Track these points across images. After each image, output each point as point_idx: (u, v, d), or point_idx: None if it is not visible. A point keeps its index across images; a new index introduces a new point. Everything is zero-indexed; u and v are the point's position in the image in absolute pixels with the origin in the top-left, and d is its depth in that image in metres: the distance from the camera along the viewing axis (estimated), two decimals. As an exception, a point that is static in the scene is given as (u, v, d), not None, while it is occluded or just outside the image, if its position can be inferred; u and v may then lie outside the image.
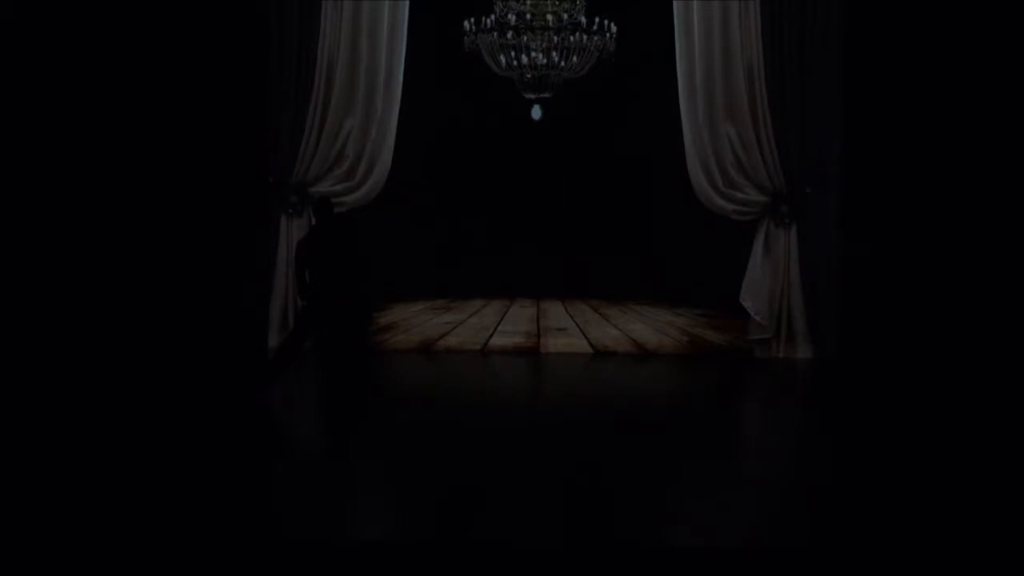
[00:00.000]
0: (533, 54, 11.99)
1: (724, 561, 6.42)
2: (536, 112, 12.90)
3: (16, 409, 9.18)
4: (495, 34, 11.97)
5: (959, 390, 11.19)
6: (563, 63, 12.08)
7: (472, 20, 12.16)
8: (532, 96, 12.54)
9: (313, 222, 9.88)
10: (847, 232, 12.83)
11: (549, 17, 11.90)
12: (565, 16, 11.95)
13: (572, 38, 12.01)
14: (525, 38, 11.94)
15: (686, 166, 12.96)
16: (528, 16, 11.92)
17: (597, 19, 12.08)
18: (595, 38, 12.06)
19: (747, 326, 13.14)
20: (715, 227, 13.02)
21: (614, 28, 12.17)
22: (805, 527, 7.06)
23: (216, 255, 11.24)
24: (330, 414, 9.83)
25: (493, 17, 12.05)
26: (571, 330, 13.49)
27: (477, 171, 13.28)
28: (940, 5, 12.28)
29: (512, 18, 11.96)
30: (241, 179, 11.56)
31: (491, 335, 13.46)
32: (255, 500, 7.43)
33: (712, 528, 7.04)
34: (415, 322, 13.55)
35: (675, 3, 12.87)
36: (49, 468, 7.84)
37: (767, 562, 6.42)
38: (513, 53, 12.03)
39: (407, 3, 13.00)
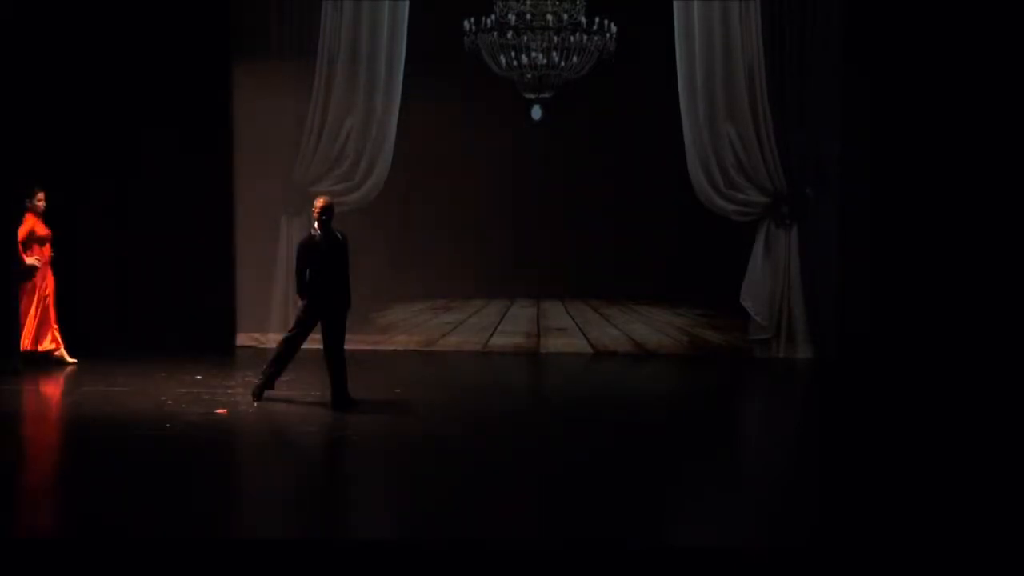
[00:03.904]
0: (533, 54, 11.99)
1: (724, 561, 6.41)
2: (536, 112, 12.89)
3: None
4: (495, 34, 11.97)
5: (959, 389, 11.19)
6: (563, 63, 12.07)
7: (472, 20, 12.16)
8: (532, 96, 12.54)
9: (316, 224, 9.84)
10: (847, 232, 12.83)
11: (549, 17, 11.90)
12: (565, 16, 11.95)
13: (572, 38, 12.01)
14: (525, 38, 11.94)
15: (686, 166, 12.95)
16: (528, 16, 11.92)
17: (597, 19, 12.08)
18: (595, 38, 12.06)
19: (747, 326, 13.13)
20: (715, 227, 13.01)
21: (614, 28, 12.17)
22: (805, 527, 7.05)
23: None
24: (333, 409, 9.85)
25: (493, 17, 12.05)
26: (571, 330, 13.47)
27: (477, 171, 13.25)
28: (939, 6, 12.29)
29: (512, 18, 11.95)
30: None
31: (491, 335, 13.45)
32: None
33: (712, 528, 7.03)
34: (415, 322, 13.53)
35: (675, 3, 12.86)
36: None
37: (767, 562, 6.42)
38: (513, 53, 12.03)
39: (407, 3, 13.00)
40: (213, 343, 12.84)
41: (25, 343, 11.52)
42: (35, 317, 11.54)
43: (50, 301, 11.69)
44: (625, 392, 11.64)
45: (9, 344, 11.25)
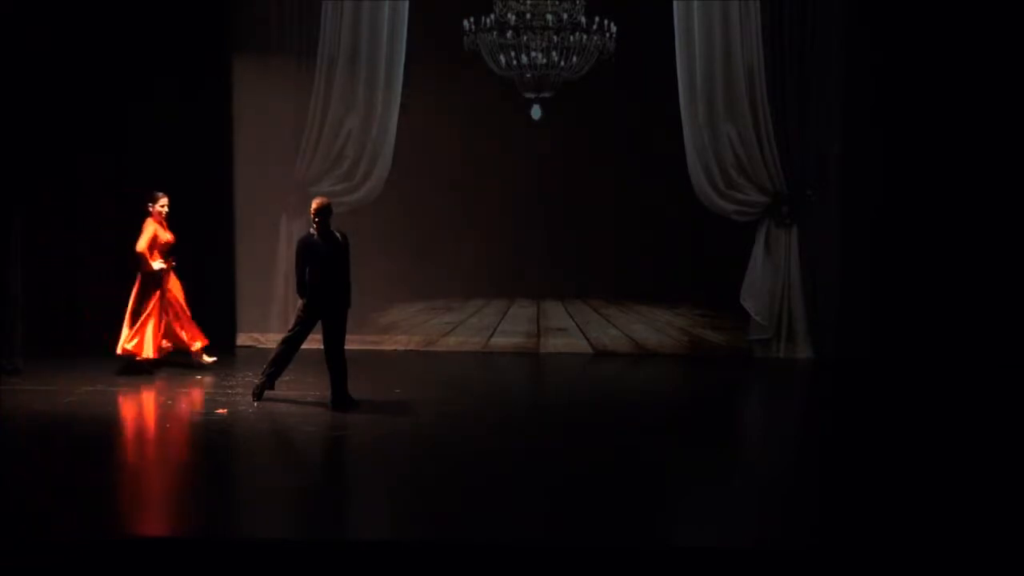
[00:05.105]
0: (533, 54, 11.99)
1: (724, 561, 6.42)
2: (536, 112, 12.90)
3: None
4: (495, 34, 11.98)
5: (959, 388, 11.19)
6: (563, 63, 12.08)
7: (472, 20, 12.16)
8: (532, 96, 12.55)
9: (314, 224, 9.84)
10: (847, 232, 12.82)
11: (549, 17, 11.91)
12: (565, 16, 11.96)
13: (572, 38, 12.01)
14: (525, 38, 11.94)
15: (686, 166, 12.96)
16: (528, 16, 11.92)
17: (597, 19, 12.08)
18: (595, 38, 12.07)
19: (747, 326, 13.13)
20: (715, 227, 13.01)
21: (614, 28, 12.18)
22: (805, 527, 7.06)
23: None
24: (333, 408, 9.85)
25: (493, 17, 12.06)
26: (571, 330, 13.46)
27: (476, 171, 13.25)
28: (941, 5, 12.29)
29: (512, 18, 11.96)
30: None
31: (491, 335, 13.44)
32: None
33: (712, 528, 7.03)
34: (415, 322, 13.52)
35: (675, 3, 12.86)
36: None
37: (768, 562, 6.42)
38: (513, 53, 12.04)
39: (407, 3, 13.00)
40: (213, 343, 12.83)
41: (133, 348, 11.24)
42: (159, 324, 11.29)
43: (181, 305, 11.52)
44: (625, 392, 11.64)
45: (10, 344, 11.24)
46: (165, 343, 11.48)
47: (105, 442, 8.84)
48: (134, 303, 11.31)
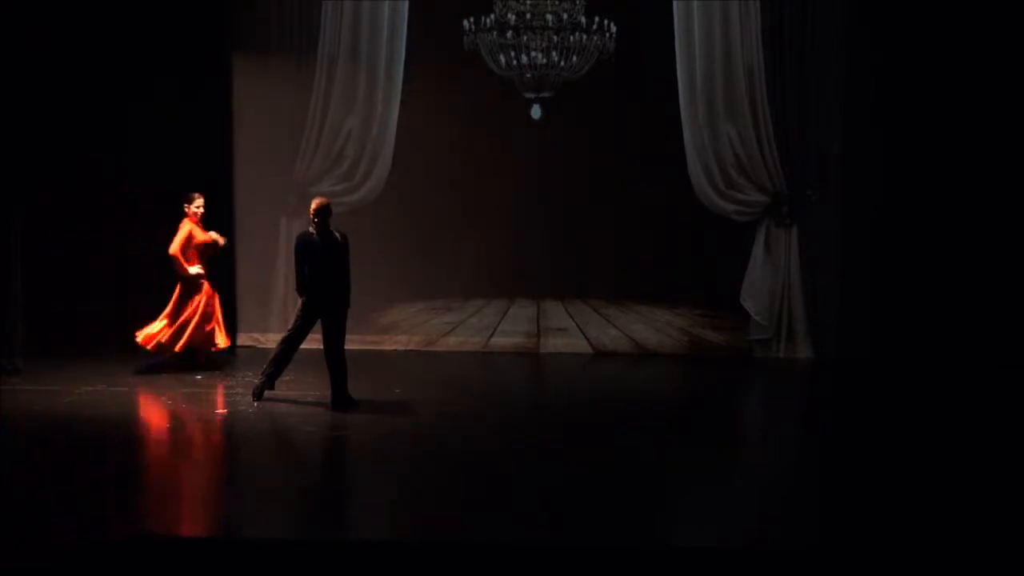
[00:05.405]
0: (533, 54, 12.00)
1: (724, 561, 6.41)
2: (536, 112, 12.90)
3: None
4: (495, 34, 11.98)
5: (959, 388, 11.19)
6: (563, 63, 12.09)
7: (472, 20, 12.16)
8: (532, 96, 12.55)
9: (314, 223, 9.84)
10: (847, 233, 12.82)
11: (549, 17, 11.92)
12: (565, 16, 11.96)
13: (572, 38, 12.02)
14: (525, 38, 11.95)
15: (686, 166, 12.96)
16: (528, 16, 11.92)
17: (597, 19, 12.08)
18: (595, 38, 12.07)
19: (747, 326, 13.13)
20: (715, 227, 13.01)
21: (614, 28, 12.18)
22: (805, 527, 7.06)
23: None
24: (333, 408, 9.85)
25: (493, 17, 12.06)
26: (571, 330, 13.45)
27: (476, 171, 13.25)
28: (941, 5, 12.29)
29: (512, 18, 11.97)
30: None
31: (491, 335, 13.44)
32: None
33: (712, 528, 7.03)
34: (415, 322, 13.52)
35: (675, 3, 12.86)
36: None
37: (768, 563, 6.42)
38: (513, 53, 12.04)
39: (407, 2, 13.01)
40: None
41: (168, 342, 11.31)
42: (196, 324, 11.33)
43: (214, 304, 11.54)
44: (625, 392, 11.63)
45: (10, 344, 11.24)
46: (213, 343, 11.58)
47: (105, 442, 8.83)
48: (175, 303, 11.36)
